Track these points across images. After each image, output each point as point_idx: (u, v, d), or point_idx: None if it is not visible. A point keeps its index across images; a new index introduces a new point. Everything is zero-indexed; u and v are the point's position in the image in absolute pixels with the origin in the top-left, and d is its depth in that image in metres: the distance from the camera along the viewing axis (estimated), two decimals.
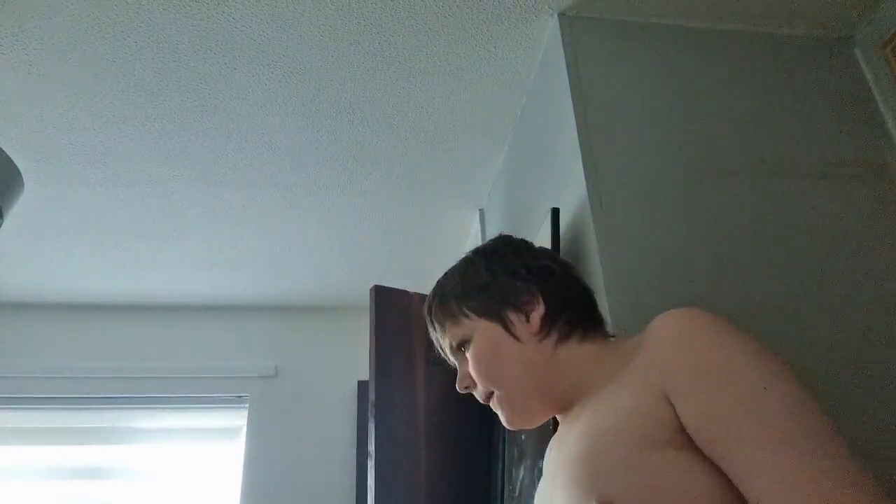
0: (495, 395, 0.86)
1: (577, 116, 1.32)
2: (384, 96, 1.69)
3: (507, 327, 0.85)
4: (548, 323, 0.85)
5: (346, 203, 2.15)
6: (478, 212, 2.23)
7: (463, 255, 0.97)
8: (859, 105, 1.47)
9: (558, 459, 0.80)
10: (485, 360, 0.86)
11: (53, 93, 1.61)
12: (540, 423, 0.88)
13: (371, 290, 1.61)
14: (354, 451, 2.60)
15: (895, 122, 1.43)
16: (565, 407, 0.85)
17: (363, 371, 2.50)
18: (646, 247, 1.20)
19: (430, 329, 0.95)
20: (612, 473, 0.66)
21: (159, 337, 2.76)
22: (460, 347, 0.90)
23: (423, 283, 1.98)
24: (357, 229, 2.32)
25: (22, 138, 1.75)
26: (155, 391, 2.64)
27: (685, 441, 0.64)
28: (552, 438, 0.92)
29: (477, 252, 0.96)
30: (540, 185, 1.55)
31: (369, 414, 1.50)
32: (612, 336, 0.91)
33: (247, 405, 2.67)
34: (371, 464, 1.44)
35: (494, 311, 0.86)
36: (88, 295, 2.66)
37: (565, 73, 1.39)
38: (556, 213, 1.27)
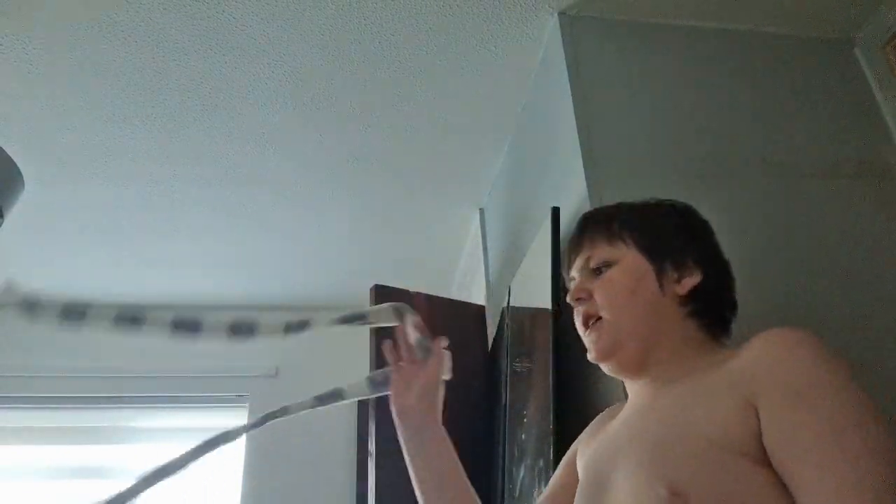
0: (603, 321, 0.84)
1: (577, 116, 1.32)
2: (384, 96, 1.69)
3: (658, 272, 0.84)
4: (694, 294, 0.84)
5: (346, 202, 2.15)
6: (478, 211, 2.23)
7: (645, 199, 0.95)
8: (860, 105, 1.47)
9: (626, 435, 0.80)
10: (622, 287, 0.84)
11: (53, 93, 1.61)
12: (617, 372, 0.86)
13: (371, 289, 1.61)
14: (354, 451, 2.59)
15: (895, 120, 1.43)
16: (644, 373, 0.84)
17: (363, 371, 2.49)
18: None
19: (574, 237, 0.92)
20: (687, 464, 0.67)
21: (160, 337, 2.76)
22: (597, 267, 0.87)
23: (423, 282, 1.98)
24: (357, 229, 2.32)
25: (22, 138, 1.75)
26: (155, 391, 2.64)
27: (762, 455, 0.65)
28: (620, 406, 0.90)
29: (662, 200, 0.95)
30: (540, 185, 1.55)
31: (369, 414, 1.50)
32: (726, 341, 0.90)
33: (247, 405, 2.67)
34: (371, 464, 1.44)
35: (655, 253, 0.85)
36: (88, 295, 2.66)
37: (565, 72, 1.39)
38: (556, 212, 1.27)
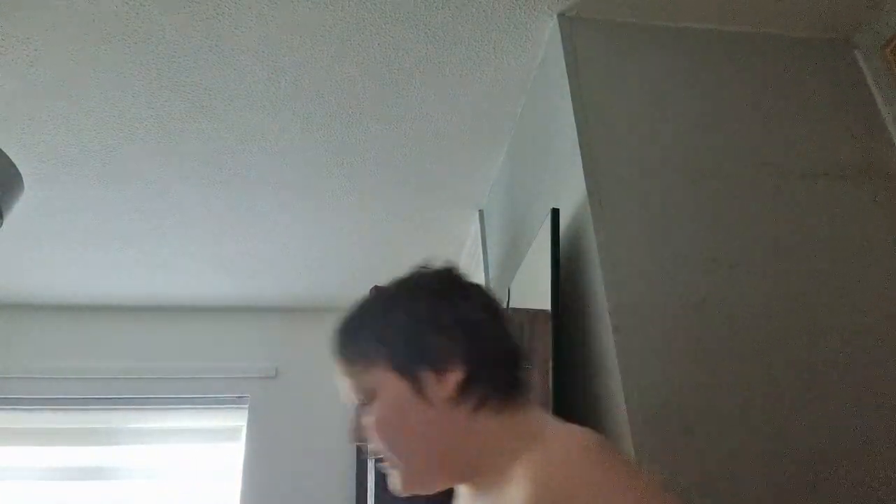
0: (393, 463, 0.76)
1: (576, 116, 1.32)
2: (384, 97, 1.69)
3: (417, 388, 0.74)
4: (465, 388, 0.74)
5: (345, 204, 2.15)
6: (478, 212, 2.23)
7: (390, 287, 0.84)
8: (859, 106, 1.47)
9: None
10: (391, 426, 0.75)
11: (54, 93, 1.61)
12: (437, 491, 0.79)
13: (371, 291, 1.61)
14: (354, 452, 2.59)
15: (895, 122, 1.43)
16: (468, 478, 0.77)
17: None
18: (646, 247, 1.20)
19: (337, 366, 0.82)
20: None
21: (160, 337, 2.76)
22: (364, 399, 0.78)
23: None
24: (357, 230, 2.32)
25: (22, 139, 1.75)
26: (155, 391, 2.64)
27: None
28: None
29: (404, 288, 0.83)
30: (540, 185, 1.56)
31: None
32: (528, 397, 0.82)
33: (247, 406, 2.68)
34: (371, 464, 1.44)
35: (407, 367, 0.75)
36: (89, 296, 2.66)
37: (565, 73, 1.39)
38: (556, 213, 1.27)
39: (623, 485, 0.62)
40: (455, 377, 0.74)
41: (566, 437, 0.69)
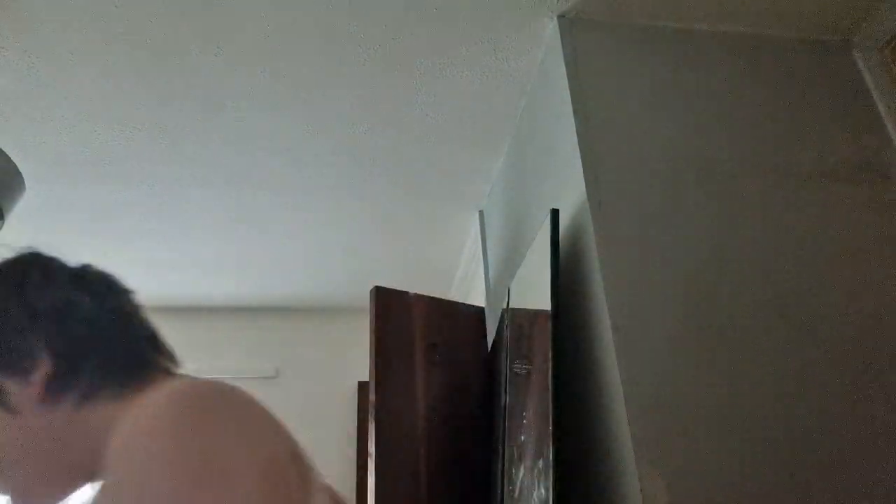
0: None
1: (577, 117, 1.33)
2: (385, 99, 1.70)
3: None
4: (58, 382, 0.64)
5: (346, 204, 2.16)
6: (477, 213, 2.23)
7: None
8: (858, 106, 1.47)
9: None
10: None
11: (54, 94, 1.62)
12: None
13: (371, 290, 1.61)
14: (354, 451, 2.60)
15: (894, 123, 1.43)
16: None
17: (363, 371, 2.50)
18: (646, 247, 1.20)
19: None
20: None
21: None
22: None
23: (423, 284, 1.99)
24: (357, 230, 2.33)
25: (22, 139, 1.75)
26: None
27: None
28: None
29: None
30: (540, 185, 1.56)
31: (369, 414, 1.51)
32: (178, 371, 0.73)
33: None
34: (371, 464, 1.45)
35: None
36: None
37: (565, 74, 1.39)
38: (555, 214, 1.27)
39: (208, 441, 0.52)
40: (41, 373, 0.64)
41: (157, 396, 0.59)
